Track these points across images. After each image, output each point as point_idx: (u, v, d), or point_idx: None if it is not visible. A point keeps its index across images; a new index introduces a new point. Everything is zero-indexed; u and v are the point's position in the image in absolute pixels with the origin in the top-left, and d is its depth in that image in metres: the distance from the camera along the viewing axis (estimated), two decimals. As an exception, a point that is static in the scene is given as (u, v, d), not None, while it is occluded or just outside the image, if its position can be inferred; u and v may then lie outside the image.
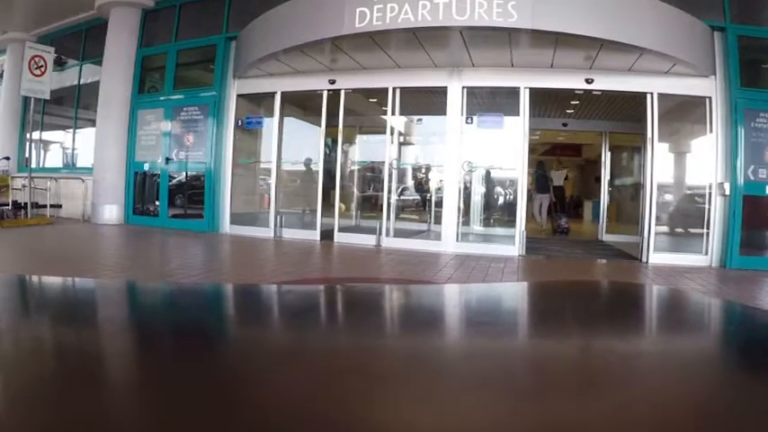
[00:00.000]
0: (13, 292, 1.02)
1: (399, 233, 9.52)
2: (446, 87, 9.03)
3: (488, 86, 9.08)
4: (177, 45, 11.52)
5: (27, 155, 14.22)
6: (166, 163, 11.22)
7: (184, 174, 11.60)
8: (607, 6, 7.52)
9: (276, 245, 9.21)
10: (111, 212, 11.74)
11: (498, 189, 10.01)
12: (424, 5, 7.44)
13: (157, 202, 11.64)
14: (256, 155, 11.13)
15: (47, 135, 15.67)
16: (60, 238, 9.64)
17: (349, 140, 11.72)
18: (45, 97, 12.10)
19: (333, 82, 9.65)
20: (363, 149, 12.05)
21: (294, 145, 10.62)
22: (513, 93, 8.87)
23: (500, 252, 8.67)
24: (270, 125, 10.54)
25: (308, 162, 10.55)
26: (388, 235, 9.25)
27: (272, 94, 10.28)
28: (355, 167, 11.16)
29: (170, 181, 11.60)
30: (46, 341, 0.74)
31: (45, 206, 12.50)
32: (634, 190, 10.71)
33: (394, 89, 9.31)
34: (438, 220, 9.30)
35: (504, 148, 9.24)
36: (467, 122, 9.01)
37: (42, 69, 11.69)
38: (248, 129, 10.88)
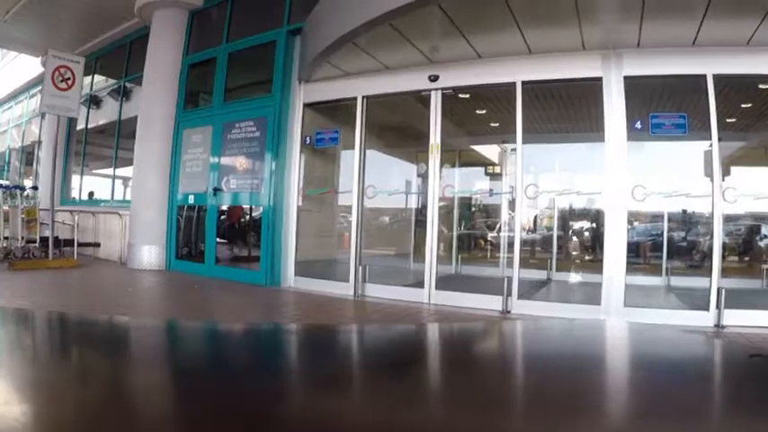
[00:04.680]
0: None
1: (532, 291, 6.75)
2: (599, 79, 6.22)
3: (662, 75, 6.19)
4: (229, 47, 9.32)
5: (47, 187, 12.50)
6: (214, 194, 8.88)
7: (237, 207, 9.29)
8: None
9: (364, 311, 6.57)
10: (150, 255, 9.64)
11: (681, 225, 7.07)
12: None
13: (203, 245, 9.23)
14: (331, 182, 8.56)
15: (88, 166, 14.19)
16: (67, 293, 7.44)
17: (450, 162, 9.11)
18: (72, 115, 10.48)
19: (434, 78, 7.07)
20: (469, 174, 9.39)
21: (378, 170, 7.99)
22: (694, 83, 5.98)
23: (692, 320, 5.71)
24: (348, 142, 7.97)
25: (406, 191, 7.97)
26: (514, 295, 6.43)
27: (352, 101, 7.78)
28: (460, 196, 8.43)
29: (220, 217, 9.28)
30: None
31: (83, 244, 10.79)
32: None
33: (523, 84, 6.57)
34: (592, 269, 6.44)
35: (686, 165, 6.36)
36: (634, 128, 6.14)
37: (69, 82, 9.79)
38: (319, 148, 8.31)
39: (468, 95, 7.84)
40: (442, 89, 7.09)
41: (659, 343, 1.21)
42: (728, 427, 0.70)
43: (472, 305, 6.58)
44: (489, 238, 10.84)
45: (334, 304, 6.84)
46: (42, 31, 12.49)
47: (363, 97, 7.68)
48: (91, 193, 12.68)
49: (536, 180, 7.46)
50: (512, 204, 6.90)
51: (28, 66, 16.59)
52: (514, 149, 6.86)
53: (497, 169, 10.89)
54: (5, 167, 19.91)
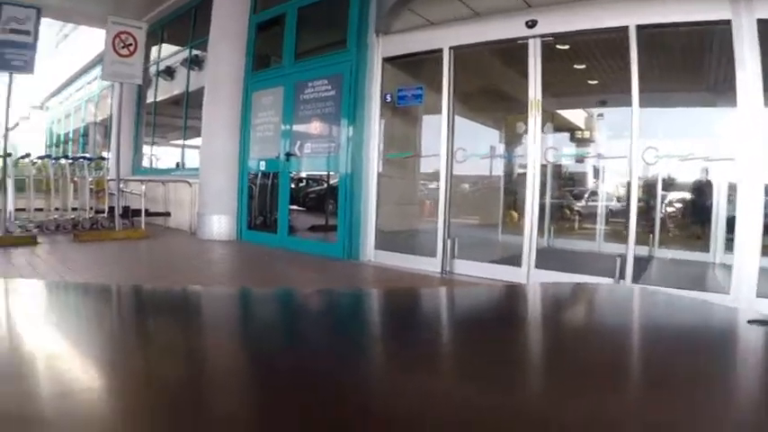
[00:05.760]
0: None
1: (642, 273, 5.86)
2: (728, 22, 5.15)
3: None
4: (298, 1, 8.59)
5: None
6: (287, 160, 8.24)
7: (312, 174, 8.71)
8: None
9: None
10: (221, 225, 9.20)
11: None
12: None
13: (276, 214, 8.66)
14: (413, 145, 7.79)
15: (159, 134, 14.21)
16: (124, 266, 7.03)
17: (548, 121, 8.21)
18: (136, 82, 10.32)
19: (532, 24, 6.13)
20: (562, 138, 8.49)
21: (461, 133, 7.13)
22: None
23: None
24: (430, 101, 7.12)
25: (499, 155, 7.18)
26: (628, 277, 5.52)
27: (436, 54, 6.88)
28: (557, 162, 7.52)
29: (295, 184, 8.69)
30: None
31: (153, 214, 10.68)
32: None
33: (638, 29, 5.57)
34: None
35: None
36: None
37: (131, 48, 9.50)
38: (400, 107, 7.51)
39: (566, 47, 6.90)
40: (542, 36, 6.16)
41: (655, 308, 1.22)
42: (726, 394, 0.66)
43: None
44: (577, 208, 9.89)
45: (422, 283, 6.11)
46: (107, 2, 12.11)
47: (450, 48, 6.80)
48: (178, 164, 12.33)
49: (646, 144, 6.44)
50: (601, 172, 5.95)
51: (98, 40, 16.60)
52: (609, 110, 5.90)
53: (590, 134, 9.87)
54: (84, 141, 20.25)
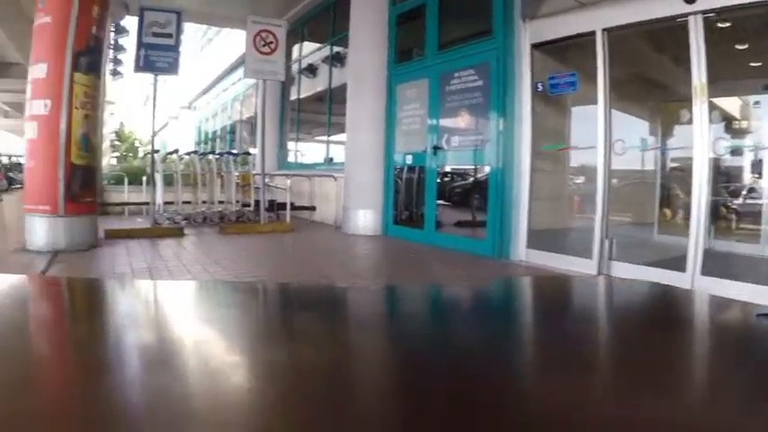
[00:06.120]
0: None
1: None
2: None
3: None
4: (440, -11, 8.45)
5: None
6: (434, 153, 8.13)
7: (456, 168, 8.61)
8: None
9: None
10: (366, 220, 9.31)
11: None
12: None
13: (422, 209, 8.59)
14: (563, 138, 7.36)
15: (303, 130, 14.68)
16: (271, 259, 7.32)
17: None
18: (278, 79, 10.65)
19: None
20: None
21: (619, 121, 6.59)
22: None
23: None
24: (582, 89, 6.68)
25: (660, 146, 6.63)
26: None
27: (589, 36, 6.42)
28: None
29: (440, 179, 8.64)
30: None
31: (298, 208, 11.04)
32: None
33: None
34: None
35: None
36: None
37: (272, 46, 9.91)
38: (552, 95, 7.09)
39: (728, 24, 6.16)
40: (703, 12, 5.52)
41: (662, 302, 1.22)
42: (735, 388, 0.67)
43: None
44: (735, 206, 8.92)
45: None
46: (245, 3, 12.63)
47: (603, 30, 6.32)
48: (329, 159, 12.58)
49: None
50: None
51: (240, 42, 17.41)
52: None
53: (747, 123, 8.84)
54: (231, 138, 21.40)
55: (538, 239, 6.96)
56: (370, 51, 9.33)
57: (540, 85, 7.00)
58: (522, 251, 6.97)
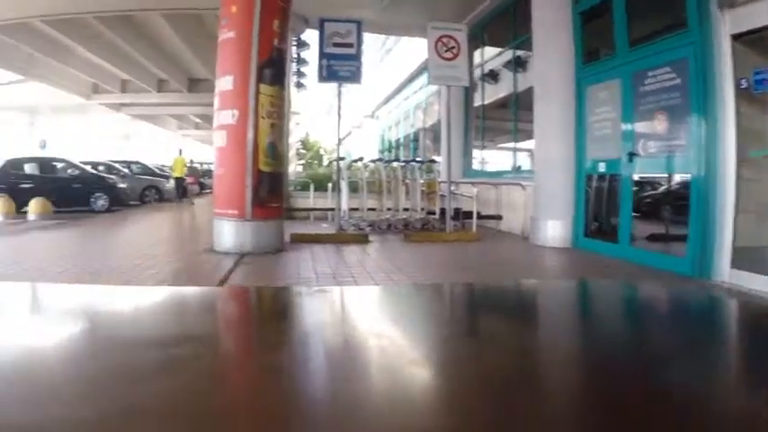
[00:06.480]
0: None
1: None
2: None
3: None
4: (623, -15, 8.09)
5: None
6: (629, 160, 7.68)
7: (645, 176, 8.09)
8: None
9: None
10: (555, 231, 9.05)
11: None
12: None
13: (616, 221, 8.26)
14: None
15: (488, 137, 14.50)
16: (462, 269, 7.26)
17: None
18: (462, 84, 10.93)
19: None
20: None
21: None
22: None
23: None
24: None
25: None
26: None
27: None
28: None
29: (636, 188, 8.07)
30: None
31: (484, 217, 10.92)
32: None
33: None
34: None
35: None
36: None
37: (454, 51, 9.99)
38: (758, 93, 6.23)
39: None
40: None
41: (680, 302, 1.27)
42: (757, 389, 0.69)
43: None
44: None
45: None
46: (422, 11, 12.84)
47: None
48: (518, 167, 12.40)
49: None
50: None
51: (419, 50, 17.82)
52: None
53: None
54: (415, 145, 21.81)
55: (745, 258, 6.19)
56: (555, 53, 9.08)
57: (744, 82, 6.21)
58: (725, 271, 6.26)
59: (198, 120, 44.16)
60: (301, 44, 14.85)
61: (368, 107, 31.19)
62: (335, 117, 10.35)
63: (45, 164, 18.15)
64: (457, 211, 10.65)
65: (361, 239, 9.17)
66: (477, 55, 14.02)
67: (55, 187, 16.41)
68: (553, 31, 9.09)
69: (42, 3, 15.36)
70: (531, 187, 9.55)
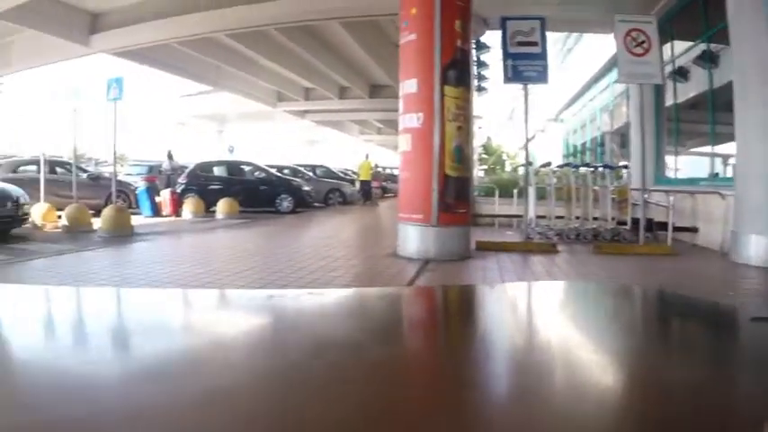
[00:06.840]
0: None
1: None
2: None
3: None
4: None
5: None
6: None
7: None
8: None
9: None
10: (759, 247, 7.83)
11: None
12: None
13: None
14: None
15: (681, 141, 13.28)
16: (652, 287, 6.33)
17: None
18: (655, 82, 10.03)
19: None
20: None
21: None
22: None
23: None
24: None
25: None
26: None
27: None
28: None
29: None
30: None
31: (679, 229, 9.86)
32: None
33: None
34: None
35: None
36: None
37: (645, 46, 9.13)
38: None
39: None
40: None
41: (656, 306, 1.24)
42: (730, 393, 0.69)
43: None
44: None
45: None
46: (601, 4, 12.28)
47: None
48: (715, 174, 11.44)
49: None
50: None
51: (602, 47, 16.96)
52: None
53: None
54: (601, 150, 20.64)
55: None
56: (756, 44, 7.89)
57: None
58: None
59: (380, 125, 45.52)
60: (480, 47, 14.48)
61: (551, 110, 30.42)
62: (517, 121, 10.07)
63: (233, 166, 19.55)
64: (650, 221, 9.88)
65: (550, 249, 8.86)
66: (665, 50, 12.84)
67: (242, 189, 17.66)
68: (752, 17, 7.92)
69: (229, 18, 16.53)
70: (732, 197, 8.49)
